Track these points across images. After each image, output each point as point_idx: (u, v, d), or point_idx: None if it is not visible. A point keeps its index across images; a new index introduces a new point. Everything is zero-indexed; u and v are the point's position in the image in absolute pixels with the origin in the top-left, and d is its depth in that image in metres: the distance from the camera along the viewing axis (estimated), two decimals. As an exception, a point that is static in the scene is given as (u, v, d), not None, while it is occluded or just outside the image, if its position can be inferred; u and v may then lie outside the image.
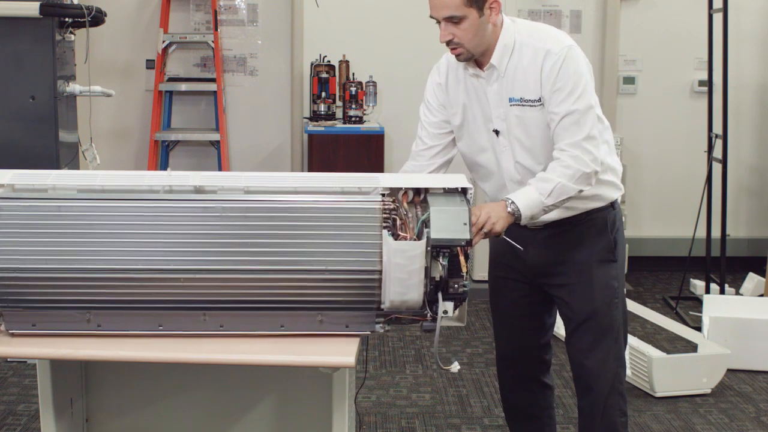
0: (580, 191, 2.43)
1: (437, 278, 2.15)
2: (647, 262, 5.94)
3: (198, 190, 2.19)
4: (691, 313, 5.04)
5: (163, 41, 5.71)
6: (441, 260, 2.13)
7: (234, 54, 5.88)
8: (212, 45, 5.70)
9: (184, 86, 5.82)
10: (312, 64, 5.60)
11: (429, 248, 2.12)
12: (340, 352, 2.13)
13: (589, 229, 2.58)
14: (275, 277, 2.13)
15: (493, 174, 2.62)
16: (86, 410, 2.65)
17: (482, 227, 2.32)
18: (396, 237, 2.13)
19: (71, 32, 4.34)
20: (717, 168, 5.07)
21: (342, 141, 5.43)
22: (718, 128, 5.12)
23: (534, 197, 2.39)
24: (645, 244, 5.98)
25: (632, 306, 4.81)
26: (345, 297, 2.16)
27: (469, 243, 2.14)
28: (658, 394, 3.87)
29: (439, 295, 2.15)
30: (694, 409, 3.79)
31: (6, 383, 3.94)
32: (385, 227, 2.13)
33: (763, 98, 5.99)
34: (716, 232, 5.11)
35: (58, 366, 2.43)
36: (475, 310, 5.12)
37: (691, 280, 5.39)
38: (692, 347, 4.19)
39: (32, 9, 4.01)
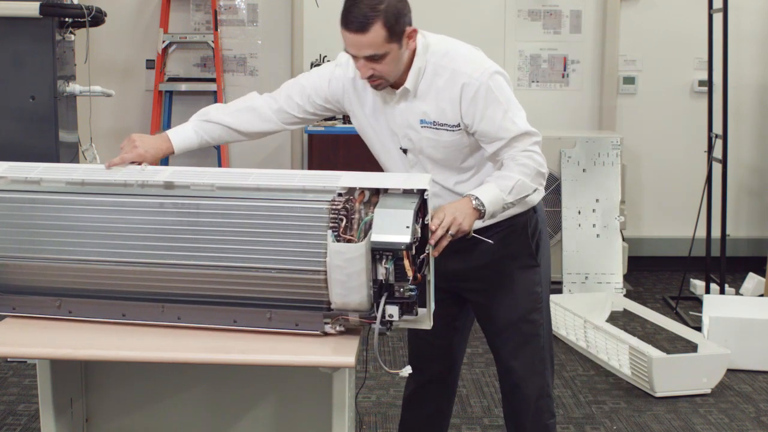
0: (535, 190, 2.42)
1: (384, 281, 2.11)
2: (647, 262, 5.95)
3: (167, 185, 2.29)
4: (691, 313, 5.04)
5: (163, 41, 5.71)
6: (384, 264, 2.09)
7: (234, 54, 5.88)
8: (212, 45, 5.71)
9: (184, 86, 5.82)
10: (312, 64, 5.60)
11: (369, 250, 2.08)
12: (340, 352, 2.13)
13: (510, 236, 2.54)
14: (226, 273, 2.19)
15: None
16: (86, 410, 2.65)
17: (448, 229, 2.23)
18: (341, 238, 2.11)
19: (71, 32, 4.33)
20: (717, 168, 5.07)
21: (342, 141, 5.43)
22: (718, 128, 5.12)
23: (495, 193, 2.35)
24: (645, 244, 5.98)
25: (632, 306, 4.82)
26: (293, 296, 2.18)
27: (409, 247, 2.08)
28: (658, 394, 3.87)
29: (382, 300, 2.11)
30: (694, 409, 3.79)
31: (6, 383, 3.94)
32: (331, 227, 2.11)
33: (763, 98, 5.99)
34: (716, 232, 5.11)
35: (58, 366, 2.43)
36: (475, 310, 5.11)
37: (691, 280, 5.39)
38: (692, 347, 4.20)
39: (32, 9, 4.01)
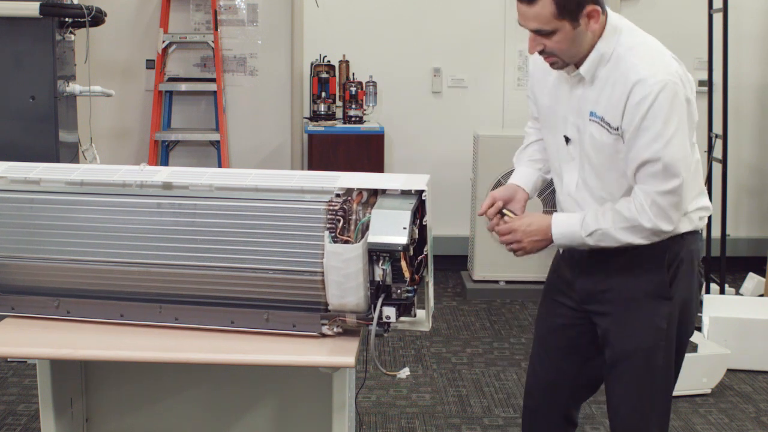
0: (628, 243, 2.20)
1: (381, 282, 2.11)
2: (647, 262, 5.94)
3: (166, 186, 2.29)
4: (691, 313, 5.04)
5: (163, 41, 5.71)
6: (381, 265, 2.08)
7: (234, 54, 5.88)
8: (212, 45, 5.71)
9: (184, 86, 5.82)
10: (312, 64, 5.61)
11: (366, 251, 2.07)
12: (339, 352, 2.13)
13: (636, 259, 2.27)
14: (224, 273, 2.19)
15: (555, 178, 2.45)
16: (86, 410, 2.65)
17: (508, 242, 2.29)
18: (338, 239, 2.11)
19: (71, 32, 4.33)
20: (717, 168, 5.07)
21: (342, 141, 5.43)
22: (718, 128, 5.12)
23: (574, 231, 2.24)
24: (645, 244, 5.97)
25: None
26: (290, 297, 2.18)
27: (406, 248, 2.07)
28: (658, 394, 3.86)
29: (379, 301, 2.11)
30: (694, 409, 3.79)
31: (6, 383, 3.94)
32: (328, 228, 2.11)
33: (763, 98, 5.99)
34: (716, 232, 5.11)
35: (58, 366, 2.43)
36: (475, 310, 5.11)
37: (691, 280, 5.38)
38: (692, 347, 4.19)
39: (32, 9, 4.01)
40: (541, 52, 2.19)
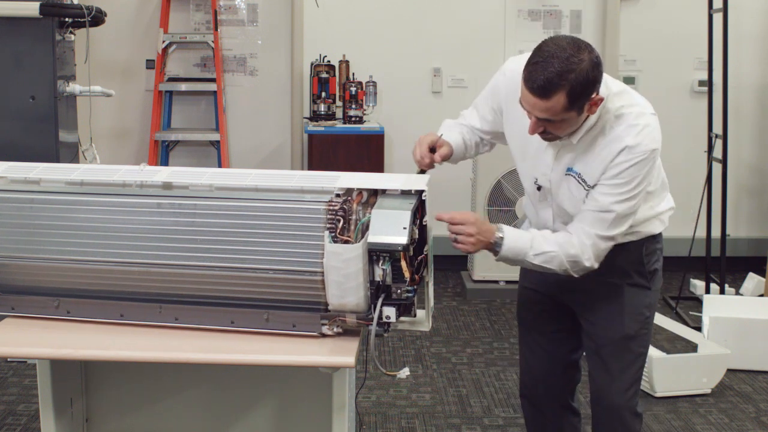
0: (565, 271, 2.31)
1: (381, 282, 2.11)
2: (647, 262, 5.94)
3: (166, 185, 2.29)
4: (691, 313, 5.03)
5: (163, 41, 5.72)
6: (381, 265, 2.09)
7: (234, 54, 5.88)
8: (212, 45, 5.71)
9: (184, 86, 5.82)
10: (312, 64, 5.61)
11: (366, 252, 2.07)
12: (339, 352, 2.13)
13: (621, 254, 2.40)
14: (224, 273, 2.19)
15: (529, 209, 2.53)
16: (86, 410, 2.65)
17: (455, 235, 2.27)
18: (338, 239, 2.11)
19: (71, 32, 4.33)
20: (717, 168, 5.07)
21: (342, 141, 5.43)
22: (718, 128, 5.12)
23: (523, 247, 2.29)
24: (645, 244, 5.97)
25: (632, 306, 4.81)
26: (290, 297, 2.18)
27: (406, 248, 2.07)
28: (658, 394, 3.87)
29: (379, 301, 2.11)
30: (694, 409, 3.79)
31: (6, 383, 3.94)
32: (328, 228, 2.11)
33: (763, 98, 5.99)
34: (716, 232, 5.11)
35: (58, 366, 2.43)
36: (475, 310, 5.11)
37: (691, 280, 5.38)
38: (692, 347, 4.19)
39: (32, 9, 4.01)
40: (540, 133, 2.24)
